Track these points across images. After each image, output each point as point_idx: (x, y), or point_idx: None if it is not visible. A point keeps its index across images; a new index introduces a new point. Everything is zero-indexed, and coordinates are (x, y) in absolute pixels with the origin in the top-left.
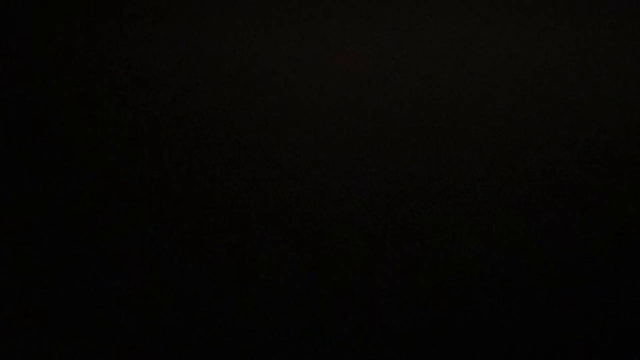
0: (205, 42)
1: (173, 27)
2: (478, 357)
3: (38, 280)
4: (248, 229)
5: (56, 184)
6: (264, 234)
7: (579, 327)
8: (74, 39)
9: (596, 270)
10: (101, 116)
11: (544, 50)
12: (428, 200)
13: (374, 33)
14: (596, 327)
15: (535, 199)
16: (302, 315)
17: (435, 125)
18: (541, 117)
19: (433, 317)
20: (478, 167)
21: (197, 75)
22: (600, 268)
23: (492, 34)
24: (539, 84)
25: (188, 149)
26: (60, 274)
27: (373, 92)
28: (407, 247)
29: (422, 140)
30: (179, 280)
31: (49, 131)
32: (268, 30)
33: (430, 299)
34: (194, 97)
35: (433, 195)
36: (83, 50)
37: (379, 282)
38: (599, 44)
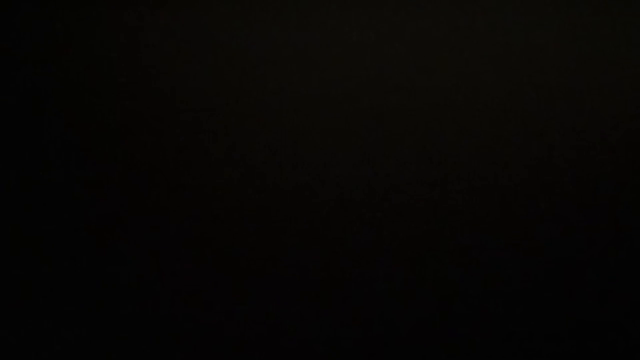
0: (202, 29)
1: (171, 15)
2: (476, 349)
3: (37, 278)
4: (246, 217)
5: (55, 171)
6: (262, 223)
7: (576, 319)
8: (72, 26)
9: (594, 262)
10: (100, 103)
11: (541, 38)
12: (426, 189)
13: (371, 21)
14: (594, 320)
15: (532, 187)
16: (301, 305)
17: (433, 113)
18: (539, 105)
19: (431, 308)
20: (475, 155)
21: (195, 62)
22: (598, 261)
23: (489, 22)
24: (536, 72)
25: (186, 135)
26: (59, 272)
27: (370, 80)
28: (405, 236)
29: (420, 128)
30: (179, 271)
31: (48, 119)
32: (266, 17)
33: (428, 289)
34: (192, 84)
35: (430, 184)
36: (82, 38)
37: (377, 271)
38: (596, 31)
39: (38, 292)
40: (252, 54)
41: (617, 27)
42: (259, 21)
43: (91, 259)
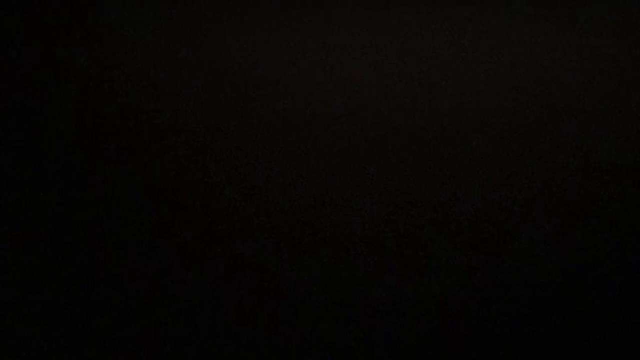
0: (206, 49)
1: (174, 34)
2: None
3: (38, 286)
4: (248, 236)
5: (56, 190)
6: (265, 242)
7: (579, 332)
8: (74, 45)
9: (597, 276)
10: (102, 123)
11: (545, 58)
12: (429, 207)
13: (376, 40)
14: (597, 334)
15: (536, 205)
16: (302, 323)
17: (437, 132)
18: (543, 124)
19: (434, 324)
20: (479, 174)
21: (198, 82)
22: (601, 274)
23: (493, 42)
24: (540, 92)
25: (188, 155)
26: (60, 281)
27: (374, 99)
28: (408, 254)
29: (424, 147)
30: (179, 287)
31: (49, 137)
32: (269, 37)
33: (431, 306)
34: (194, 104)
35: (434, 203)
36: (84, 57)
37: (380, 289)
38: (600, 51)
39: (37, 300)
40: (254, 74)
41: (621, 47)
42: (262, 41)
43: (92, 278)
